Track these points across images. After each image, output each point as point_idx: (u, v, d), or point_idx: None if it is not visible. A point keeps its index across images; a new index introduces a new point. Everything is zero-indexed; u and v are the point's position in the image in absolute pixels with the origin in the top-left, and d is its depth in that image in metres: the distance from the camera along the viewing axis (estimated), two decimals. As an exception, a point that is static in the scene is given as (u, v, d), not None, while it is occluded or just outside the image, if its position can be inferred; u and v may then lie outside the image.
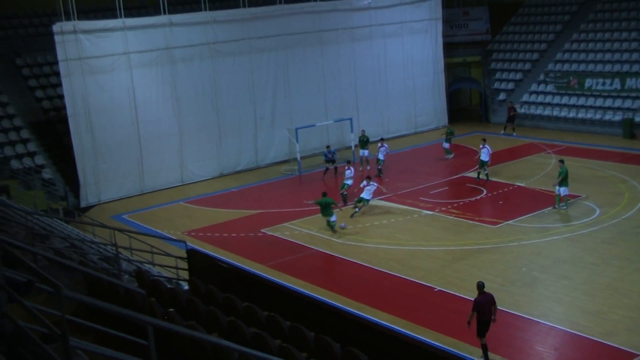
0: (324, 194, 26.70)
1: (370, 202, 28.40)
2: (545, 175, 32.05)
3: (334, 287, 21.39)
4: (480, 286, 16.40)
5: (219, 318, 11.29)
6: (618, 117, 40.66)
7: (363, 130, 36.56)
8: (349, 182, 30.15)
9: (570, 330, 17.76)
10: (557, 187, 27.19)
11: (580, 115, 42.65)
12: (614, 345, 16.77)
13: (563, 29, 49.14)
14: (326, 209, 26.33)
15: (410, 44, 44.70)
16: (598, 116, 41.83)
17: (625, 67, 42.51)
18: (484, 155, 31.46)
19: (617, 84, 41.98)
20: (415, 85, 45.07)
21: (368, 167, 35.29)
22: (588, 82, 43.33)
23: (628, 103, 41.23)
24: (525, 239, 24.49)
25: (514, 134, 41.93)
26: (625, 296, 19.44)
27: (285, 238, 26.35)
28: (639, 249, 22.81)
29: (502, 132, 42.68)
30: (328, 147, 35.32)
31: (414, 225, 26.96)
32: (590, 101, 42.94)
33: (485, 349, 16.22)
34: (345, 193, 29.60)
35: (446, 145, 37.45)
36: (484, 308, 16.13)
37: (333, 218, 26.42)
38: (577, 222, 25.63)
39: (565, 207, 27.01)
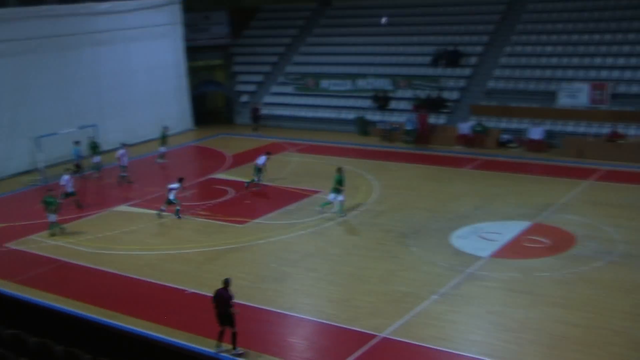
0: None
1: (119, 209, 28.06)
2: (290, 173, 33.64)
3: (86, 297, 20.92)
4: (226, 282, 17.17)
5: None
6: (352, 115, 43.53)
7: (90, 138, 36.36)
8: (69, 189, 29.55)
9: (318, 320, 18.91)
10: (330, 193, 27.13)
11: (318, 115, 45.05)
12: (358, 329, 18.13)
13: (299, 32, 51.58)
14: None
15: (153, 48, 44.55)
16: (334, 115, 44.47)
17: (356, 69, 45.60)
18: (260, 161, 31.62)
19: (349, 85, 44.94)
20: (159, 89, 44.95)
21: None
22: (324, 83, 45.92)
23: (360, 102, 44.31)
24: (273, 235, 25.57)
25: (259, 133, 43.31)
26: (367, 282, 21.05)
27: (32, 251, 25.29)
28: (377, 238, 24.74)
29: (251, 132, 43.88)
30: (77, 142, 34.83)
31: (165, 230, 27.09)
32: (327, 101, 45.53)
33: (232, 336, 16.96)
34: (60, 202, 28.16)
35: (162, 149, 37.83)
36: (221, 301, 16.96)
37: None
38: (321, 217, 27.19)
39: (343, 215, 26.97)
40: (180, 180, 28.77)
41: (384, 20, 29.90)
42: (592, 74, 38.38)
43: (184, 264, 23.29)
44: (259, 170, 31.43)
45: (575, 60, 39.70)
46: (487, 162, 34.81)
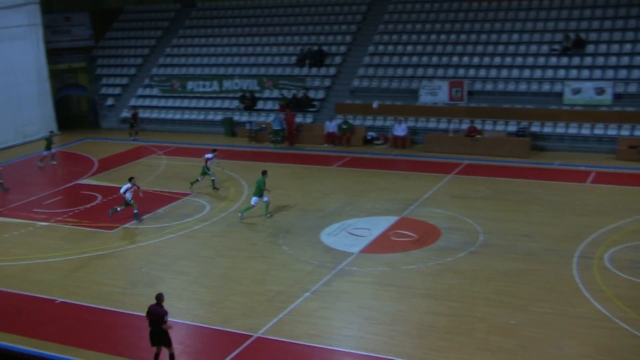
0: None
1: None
2: (159, 177, 33.21)
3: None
4: (158, 297, 16.30)
5: None
6: (219, 117, 43.43)
7: None
8: None
9: (191, 323, 18.84)
10: (253, 197, 26.99)
11: (185, 117, 44.70)
12: (232, 330, 18.21)
13: (163, 34, 50.92)
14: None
15: (11, 51, 42.83)
16: (201, 117, 44.25)
17: (222, 70, 45.53)
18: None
19: (215, 86, 44.81)
20: (20, 93, 43.25)
21: None
22: (190, 85, 45.57)
23: (227, 103, 44.28)
24: (143, 240, 25.23)
25: (136, 138, 42.28)
26: (238, 284, 21.14)
27: None
28: (247, 239, 24.87)
29: (128, 137, 42.71)
30: None
31: (30, 239, 26.15)
32: (193, 103, 45.24)
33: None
34: None
35: (45, 152, 36.65)
36: (155, 318, 16.18)
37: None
38: (190, 219, 27.03)
39: (270, 215, 26.94)
40: (130, 179, 27.58)
41: (375, 104, 31.36)
42: (451, 72, 40.02)
43: (51, 273, 22.59)
44: (205, 171, 30.81)
45: (435, 59, 41.23)
46: (354, 159, 35.61)
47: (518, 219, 25.50)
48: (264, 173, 27.37)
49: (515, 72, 39.04)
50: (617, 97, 35.95)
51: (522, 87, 38.23)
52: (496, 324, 17.83)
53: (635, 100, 35.89)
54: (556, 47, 39.35)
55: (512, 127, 36.39)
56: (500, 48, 40.61)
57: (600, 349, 16.40)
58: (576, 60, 38.34)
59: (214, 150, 31.03)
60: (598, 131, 35.22)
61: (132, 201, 27.05)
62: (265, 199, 27.06)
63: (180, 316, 19.11)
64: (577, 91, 36.48)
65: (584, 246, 22.70)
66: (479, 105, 38.07)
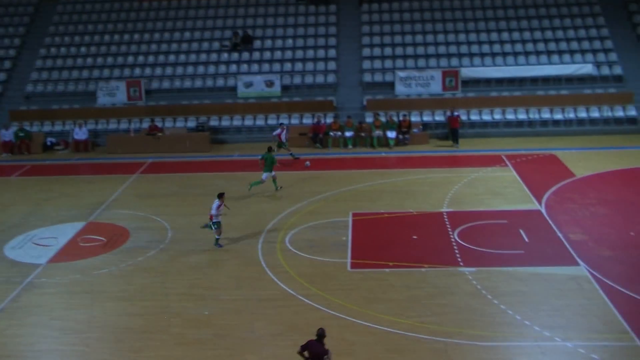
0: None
1: None
2: None
3: None
4: (320, 334, 14.42)
5: None
6: None
7: None
8: None
9: None
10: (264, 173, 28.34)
11: None
12: None
13: None
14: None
15: None
16: None
17: None
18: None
19: None
20: None
21: None
22: None
23: None
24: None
25: None
26: None
27: None
28: None
29: None
30: None
31: None
32: None
33: None
34: None
35: None
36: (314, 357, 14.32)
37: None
38: None
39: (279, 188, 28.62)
40: (220, 196, 23.34)
41: (307, 164, 29.85)
42: (127, 72, 40.03)
43: None
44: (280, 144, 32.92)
45: (110, 60, 40.96)
46: (34, 167, 34.26)
47: (204, 212, 26.26)
48: (270, 149, 29.06)
49: (190, 69, 40.16)
50: (285, 88, 38.70)
51: (198, 83, 39.47)
52: (191, 317, 18.48)
53: (301, 91, 38.92)
54: (226, 43, 41.13)
55: (191, 123, 37.49)
56: (174, 46, 41.48)
57: (289, 326, 17.72)
58: (246, 56, 40.45)
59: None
60: (271, 121, 37.57)
61: (217, 224, 23.21)
62: (273, 173, 28.39)
63: None
64: (249, 85, 38.54)
65: (267, 231, 24.29)
66: (158, 103, 38.62)
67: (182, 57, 40.78)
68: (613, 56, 38.95)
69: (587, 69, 38.03)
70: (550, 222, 24.23)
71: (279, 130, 33.60)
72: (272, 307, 18.86)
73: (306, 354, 14.26)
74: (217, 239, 23.12)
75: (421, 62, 39.48)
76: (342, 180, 29.81)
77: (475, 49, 39.99)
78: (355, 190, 28.46)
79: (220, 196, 23.02)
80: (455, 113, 35.33)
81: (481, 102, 37.53)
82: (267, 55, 40.53)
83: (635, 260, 21.06)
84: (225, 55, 40.65)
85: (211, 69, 40.08)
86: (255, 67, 39.88)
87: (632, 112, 36.46)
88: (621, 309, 17.88)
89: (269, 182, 28.49)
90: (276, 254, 22.36)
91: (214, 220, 22.81)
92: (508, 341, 16.66)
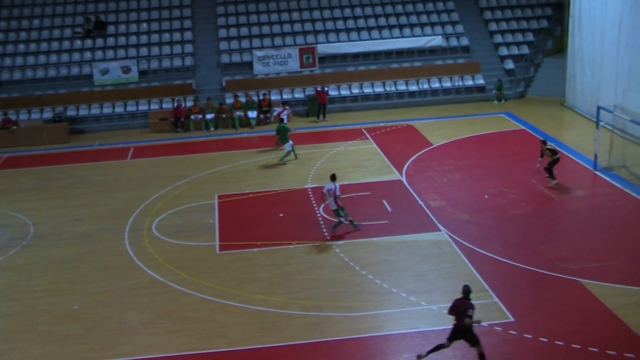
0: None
1: None
2: None
3: None
4: (466, 290, 14.78)
5: None
6: None
7: None
8: None
9: None
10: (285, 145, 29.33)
11: None
12: None
13: None
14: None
15: None
16: None
17: None
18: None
19: None
20: None
21: None
22: None
23: None
24: None
25: None
26: None
27: None
28: None
29: None
30: None
31: None
32: None
33: (437, 347, 14.93)
34: None
35: None
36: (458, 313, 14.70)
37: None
38: None
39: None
40: (333, 177, 22.13)
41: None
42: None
43: None
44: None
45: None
46: None
47: (67, 205, 25.89)
48: (282, 120, 30.66)
49: (42, 58, 38.79)
50: (143, 74, 38.10)
51: (52, 72, 38.19)
52: (59, 313, 18.16)
53: (159, 75, 38.47)
54: (79, 30, 39.93)
55: (47, 114, 36.25)
56: (23, 35, 39.99)
57: (160, 313, 17.75)
58: (100, 42, 39.45)
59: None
60: (130, 108, 36.92)
61: (342, 210, 21.95)
62: (291, 142, 29.37)
63: None
64: (105, 72, 37.68)
65: (133, 219, 24.05)
66: (10, 95, 37.10)
67: (33, 46, 39.25)
68: (460, 28, 40.63)
69: (437, 41, 39.58)
70: (411, 190, 25.24)
71: (279, 109, 33.59)
72: (142, 295, 18.81)
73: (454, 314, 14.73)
74: (352, 222, 22.05)
75: (278, 41, 39.78)
76: (206, 163, 29.80)
77: (330, 25, 40.66)
78: (220, 172, 28.55)
79: (334, 178, 22.08)
80: (325, 88, 35.98)
81: (339, 77, 38.28)
82: (122, 40, 39.66)
83: (491, 221, 22.38)
84: (78, 42, 39.44)
85: (64, 57, 38.80)
86: (110, 53, 38.96)
87: (480, 81, 38.21)
88: (479, 269, 19.03)
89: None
90: (143, 241, 22.22)
91: (335, 209, 21.83)
92: (377, 309, 17.38)
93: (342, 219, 21.88)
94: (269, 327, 16.83)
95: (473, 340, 14.66)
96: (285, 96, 37.49)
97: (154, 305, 18.21)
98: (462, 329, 14.56)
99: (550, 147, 25.45)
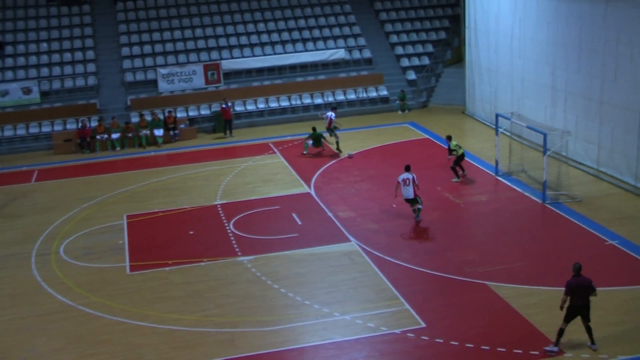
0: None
1: None
2: None
3: None
4: (576, 269, 15.22)
5: None
6: None
7: None
8: None
9: None
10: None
11: None
12: None
13: None
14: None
15: None
16: None
17: None
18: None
19: None
20: None
21: None
22: None
23: None
24: None
25: None
26: None
27: None
28: None
29: None
30: None
31: None
32: None
33: (560, 333, 15.42)
34: None
35: None
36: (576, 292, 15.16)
37: None
38: None
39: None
40: (407, 168, 23.64)
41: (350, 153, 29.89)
42: None
43: None
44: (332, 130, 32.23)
45: None
46: None
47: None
48: (314, 129, 31.63)
49: None
50: (44, 94, 37.34)
51: (-52, 96, 36.94)
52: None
53: (62, 95, 37.76)
54: (-26, 51, 38.84)
55: (-57, 139, 35.04)
56: None
57: (71, 339, 17.46)
58: (-2, 63, 38.44)
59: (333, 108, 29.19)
60: (33, 130, 36.07)
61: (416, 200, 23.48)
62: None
63: None
64: (4, 93, 36.75)
65: (39, 244, 23.56)
66: None
67: None
68: (362, 41, 41.46)
69: (340, 53, 40.29)
70: (320, 203, 25.61)
71: (330, 114, 32.73)
72: (52, 321, 18.47)
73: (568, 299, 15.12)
74: (420, 210, 23.37)
75: (182, 58, 39.65)
76: (114, 183, 29.42)
77: (233, 41, 40.81)
78: (128, 192, 28.25)
79: (408, 169, 23.33)
80: (229, 104, 36.01)
81: (244, 93, 38.44)
82: (21, 61, 38.73)
83: (398, 229, 22.93)
84: (-26, 64, 38.38)
85: (-40, 79, 37.70)
86: (9, 74, 37.97)
87: (384, 92, 39.05)
88: (390, 277, 19.49)
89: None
90: (51, 265, 21.80)
91: (414, 198, 22.99)
92: (291, 322, 17.58)
93: (420, 206, 23.24)
94: (183, 345, 16.81)
95: (588, 316, 15.31)
96: (191, 113, 37.39)
97: (64, 331, 17.90)
98: (583, 306, 15.18)
99: (453, 146, 26.55)
